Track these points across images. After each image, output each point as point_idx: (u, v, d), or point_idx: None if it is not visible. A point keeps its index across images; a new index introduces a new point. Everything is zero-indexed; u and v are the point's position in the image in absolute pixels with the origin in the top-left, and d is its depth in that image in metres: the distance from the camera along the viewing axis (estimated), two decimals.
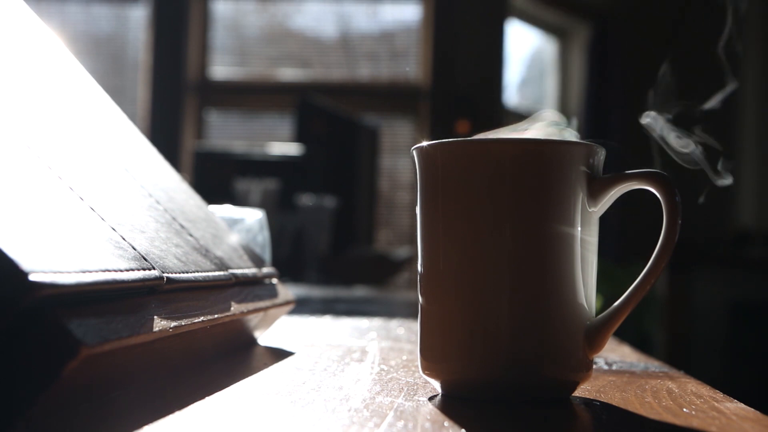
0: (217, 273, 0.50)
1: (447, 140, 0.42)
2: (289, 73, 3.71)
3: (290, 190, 2.15)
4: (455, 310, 0.41)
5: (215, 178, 2.31)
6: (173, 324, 0.39)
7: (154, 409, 0.35)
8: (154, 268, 0.40)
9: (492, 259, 0.40)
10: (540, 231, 0.40)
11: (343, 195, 2.37)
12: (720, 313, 3.09)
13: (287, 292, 0.66)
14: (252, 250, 0.66)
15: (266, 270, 0.64)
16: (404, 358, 0.55)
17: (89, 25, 3.73)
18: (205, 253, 0.52)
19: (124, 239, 0.40)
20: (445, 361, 0.41)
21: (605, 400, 0.41)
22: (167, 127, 3.55)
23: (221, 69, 3.72)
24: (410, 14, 3.71)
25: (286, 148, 2.72)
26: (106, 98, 0.61)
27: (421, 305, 0.43)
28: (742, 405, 0.40)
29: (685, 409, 0.39)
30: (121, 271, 0.36)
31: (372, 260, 2.11)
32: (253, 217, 0.74)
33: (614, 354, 0.61)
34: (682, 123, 0.45)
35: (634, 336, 2.89)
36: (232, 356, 0.54)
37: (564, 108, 3.81)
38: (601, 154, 0.42)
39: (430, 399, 0.40)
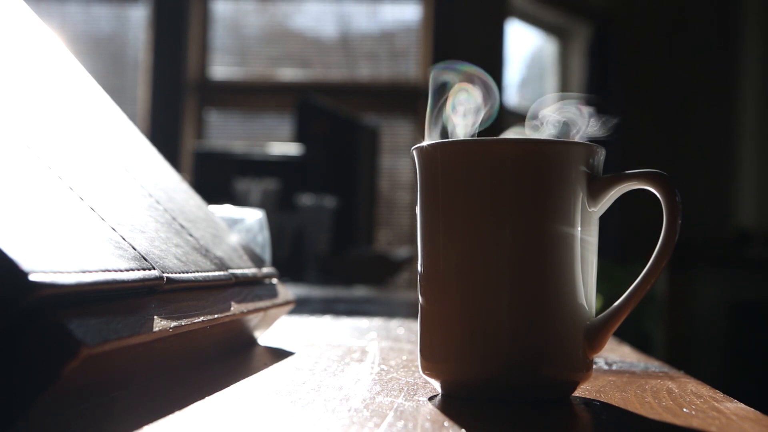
0: (217, 273, 0.50)
1: (447, 140, 0.42)
2: (289, 73, 3.71)
3: (290, 190, 2.15)
4: (455, 310, 0.41)
5: (215, 178, 2.31)
6: (173, 324, 0.39)
7: (154, 409, 0.35)
8: (154, 268, 0.40)
9: (492, 259, 0.40)
10: (540, 231, 0.40)
11: (343, 195, 2.37)
12: (720, 313, 3.09)
13: (287, 292, 0.66)
14: (252, 250, 0.66)
15: (266, 270, 0.64)
16: (404, 358, 0.55)
17: (89, 25, 3.72)
18: (205, 253, 0.52)
19: (124, 239, 0.40)
20: (445, 361, 0.41)
21: (605, 400, 0.41)
22: (167, 127, 3.55)
23: (221, 69, 3.72)
24: (410, 14, 3.71)
25: (286, 148, 2.72)
26: (106, 98, 0.61)
27: (421, 305, 0.43)
28: (742, 405, 0.40)
29: (685, 409, 0.39)
30: (121, 271, 0.36)
31: (372, 260, 2.11)
32: (253, 217, 0.74)
33: (614, 354, 0.61)
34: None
35: (634, 336, 2.89)
36: (232, 356, 0.54)
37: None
38: (601, 154, 0.42)
39: (430, 399, 0.40)
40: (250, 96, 3.69)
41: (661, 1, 3.70)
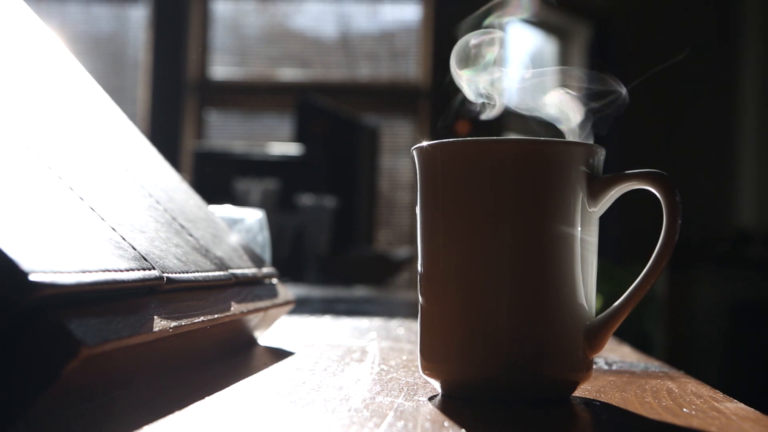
0: (217, 273, 0.50)
1: (447, 140, 0.42)
2: (289, 73, 3.71)
3: (290, 190, 2.15)
4: (455, 310, 0.41)
5: (215, 178, 2.31)
6: (173, 324, 0.39)
7: (154, 409, 0.35)
8: (154, 268, 0.40)
9: (492, 259, 0.40)
10: (540, 231, 0.40)
11: (343, 195, 2.37)
12: (720, 313, 3.09)
13: (287, 292, 0.66)
14: (252, 250, 0.66)
15: (266, 270, 0.64)
16: (404, 358, 0.55)
17: (89, 25, 3.73)
18: (205, 253, 0.52)
19: (124, 239, 0.40)
20: (445, 361, 0.41)
21: (605, 400, 0.41)
22: (167, 127, 3.55)
23: (221, 69, 3.72)
24: (410, 14, 3.71)
25: (286, 148, 2.72)
26: (106, 98, 0.61)
27: (421, 305, 0.43)
28: (742, 405, 0.40)
29: (685, 409, 0.39)
30: (121, 271, 0.36)
31: (372, 260, 2.11)
32: (253, 217, 0.74)
33: (614, 354, 0.61)
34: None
35: (634, 336, 2.89)
36: (232, 356, 0.54)
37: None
38: (601, 154, 0.42)
39: (430, 399, 0.40)
40: (250, 96, 3.69)
41: (661, 1, 3.69)
